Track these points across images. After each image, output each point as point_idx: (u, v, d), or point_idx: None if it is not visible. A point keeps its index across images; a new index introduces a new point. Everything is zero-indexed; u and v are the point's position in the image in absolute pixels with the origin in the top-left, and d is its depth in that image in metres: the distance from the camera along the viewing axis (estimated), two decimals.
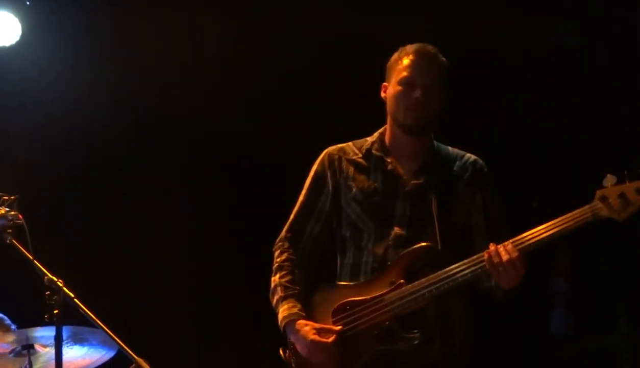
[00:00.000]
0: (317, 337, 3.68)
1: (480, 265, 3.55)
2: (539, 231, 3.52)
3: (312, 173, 3.95)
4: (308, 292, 3.85)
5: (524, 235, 3.53)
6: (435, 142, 3.88)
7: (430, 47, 3.81)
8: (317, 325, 3.72)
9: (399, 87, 3.78)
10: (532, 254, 3.52)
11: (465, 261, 3.58)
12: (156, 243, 6.29)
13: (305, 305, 3.80)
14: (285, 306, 3.79)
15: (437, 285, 3.59)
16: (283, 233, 3.94)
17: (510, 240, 3.52)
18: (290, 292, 3.82)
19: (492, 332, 5.23)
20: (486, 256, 3.52)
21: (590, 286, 5.98)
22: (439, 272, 3.59)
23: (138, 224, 6.33)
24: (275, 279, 3.87)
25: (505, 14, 5.71)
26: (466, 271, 3.57)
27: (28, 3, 6.07)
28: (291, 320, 3.75)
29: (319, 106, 5.89)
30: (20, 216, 3.80)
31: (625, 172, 3.42)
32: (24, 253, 3.73)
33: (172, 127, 6.30)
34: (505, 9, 5.72)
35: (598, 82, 5.76)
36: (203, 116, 6.22)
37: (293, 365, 3.77)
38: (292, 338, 3.75)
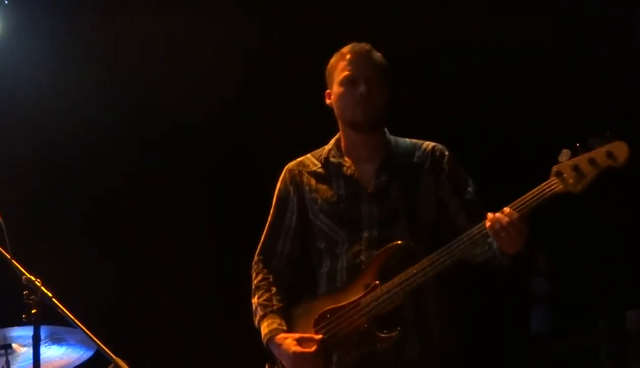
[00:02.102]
0: (299, 348, 3.71)
1: (449, 255, 3.55)
2: (531, 195, 3.48)
3: (275, 193, 4.00)
4: (290, 307, 3.88)
5: (518, 200, 3.50)
6: (391, 137, 3.89)
7: (364, 44, 3.85)
8: (298, 335, 3.75)
9: (342, 88, 3.80)
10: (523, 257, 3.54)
11: (435, 253, 3.59)
12: (138, 243, 6.27)
13: (287, 320, 3.84)
14: (266, 324, 3.83)
15: (409, 281, 3.61)
16: (256, 256, 4.01)
17: (509, 205, 3.50)
18: (269, 309, 3.86)
19: (472, 330, 5.24)
20: (488, 224, 3.50)
21: (569, 283, 5.99)
22: (411, 268, 3.60)
23: (119, 224, 6.31)
24: (254, 301, 3.92)
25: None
26: (436, 263, 3.58)
27: (6, 2, 6.04)
28: (272, 336, 3.79)
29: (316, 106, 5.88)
30: None
31: (578, 144, 3.42)
32: (1, 252, 3.71)
33: (154, 126, 6.27)
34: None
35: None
36: (190, 115, 6.20)
37: None
38: (275, 353, 3.78)
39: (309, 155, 3.98)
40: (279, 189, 3.98)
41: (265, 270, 3.94)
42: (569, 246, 5.89)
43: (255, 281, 3.94)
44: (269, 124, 6.08)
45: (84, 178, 6.28)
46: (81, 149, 6.22)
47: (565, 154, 3.44)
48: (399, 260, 3.66)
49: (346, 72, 3.79)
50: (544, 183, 3.45)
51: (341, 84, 3.80)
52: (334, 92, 3.85)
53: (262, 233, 4.01)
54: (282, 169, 4.01)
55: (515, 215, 3.47)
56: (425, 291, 3.70)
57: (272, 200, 3.99)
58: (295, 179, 3.93)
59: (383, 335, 3.62)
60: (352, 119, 3.81)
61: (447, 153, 3.85)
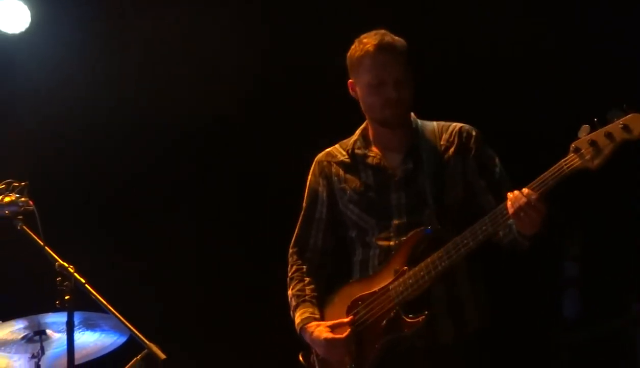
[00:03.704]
0: (330, 335, 3.73)
1: (473, 238, 3.54)
2: (549, 174, 3.44)
3: (307, 185, 4.00)
4: (325, 295, 3.90)
5: (536, 180, 3.47)
6: (417, 121, 3.86)
7: (387, 37, 3.75)
8: (330, 323, 3.77)
9: (367, 89, 3.76)
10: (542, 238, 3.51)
11: (459, 236, 3.57)
12: (166, 230, 6.29)
13: (321, 308, 3.86)
14: (298, 313, 3.86)
15: (435, 265, 3.60)
16: (290, 248, 4.03)
17: (527, 186, 3.48)
18: (302, 299, 3.89)
19: (503, 314, 5.22)
20: (508, 204, 3.48)
21: (601, 267, 5.95)
22: (437, 252, 3.60)
23: (148, 211, 6.32)
24: (289, 292, 3.96)
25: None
26: (460, 247, 3.57)
27: None
28: (304, 324, 3.81)
29: (331, 105, 5.86)
30: (31, 203, 3.82)
31: (596, 119, 3.36)
32: (34, 239, 3.74)
33: (183, 119, 6.28)
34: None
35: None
36: (218, 108, 6.20)
37: (316, 366, 3.81)
38: (308, 340, 3.80)
39: (336, 145, 3.97)
40: (310, 182, 3.99)
41: (300, 261, 3.96)
42: (601, 230, 5.85)
43: (290, 273, 3.97)
44: (297, 114, 6.06)
45: (114, 167, 6.30)
46: (112, 138, 6.24)
47: (584, 129, 3.40)
48: (427, 245, 3.66)
49: (373, 74, 3.73)
50: (562, 160, 3.42)
51: (368, 85, 3.75)
52: (360, 88, 3.80)
53: (296, 225, 4.02)
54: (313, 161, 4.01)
55: (534, 195, 3.43)
56: (457, 275, 3.69)
57: (304, 192, 4.00)
58: (324, 171, 3.93)
59: (410, 320, 3.62)
60: (381, 119, 3.79)
61: (474, 132, 3.82)
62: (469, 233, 3.55)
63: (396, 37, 3.77)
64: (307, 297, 3.87)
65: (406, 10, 5.60)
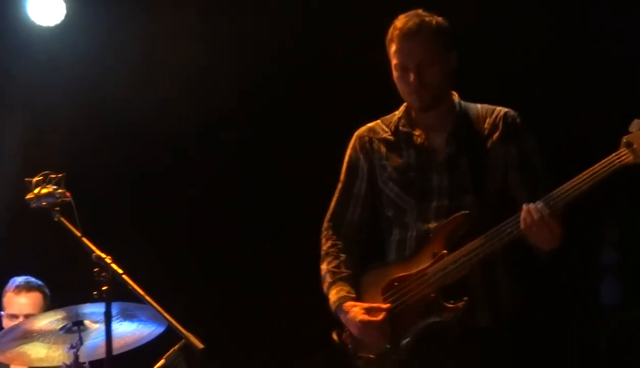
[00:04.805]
0: (366, 317, 3.70)
1: (516, 226, 3.53)
2: (568, 187, 3.46)
3: (345, 159, 3.96)
4: (360, 274, 3.86)
5: (555, 191, 3.48)
6: (461, 103, 3.83)
7: (411, 22, 3.71)
8: (366, 305, 3.74)
9: (396, 73, 3.76)
10: (580, 223, 3.48)
11: (503, 223, 3.56)
12: (202, 222, 6.31)
13: (357, 286, 3.83)
14: (334, 291, 3.83)
15: (477, 251, 3.58)
16: (326, 222, 3.98)
17: (544, 198, 3.48)
18: (338, 276, 3.85)
19: (541, 299, 5.19)
20: (521, 217, 3.48)
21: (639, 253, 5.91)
22: (478, 238, 3.58)
23: (186, 202, 6.35)
24: (323, 267, 3.91)
25: None
26: (502, 234, 3.55)
27: None
28: (340, 303, 3.79)
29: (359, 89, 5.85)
30: (68, 194, 3.84)
31: None
32: (72, 230, 3.76)
33: (217, 113, 6.29)
34: None
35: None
36: (251, 105, 6.23)
37: (349, 346, 3.79)
38: (343, 320, 3.78)
39: (379, 121, 3.94)
40: (349, 156, 3.95)
41: (335, 237, 3.92)
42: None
43: (324, 248, 3.92)
44: (338, 89, 6.04)
45: (150, 159, 6.32)
46: (147, 130, 6.26)
47: (636, 124, 3.37)
48: (467, 230, 3.64)
49: (396, 61, 3.73)
50: (614, 154, 3.39)
51: (395, 69, 3.76)
52: (393, 71, 3.80)
53: (332, 199, 3.98)
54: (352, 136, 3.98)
55: (546, 211, 3.43)
56: (494, 259, 3.67)
57: (342, 166, 3.96)
58: (365, 146, 3.90)
59: (449, 306, 3.61)
60: (409, 103, 3.80)
61: (518, 120, 3.79)
62: (513, 221, 3.53)
63: (427, 18, 3.72)
64: (343, 275, 3.84)
65: None
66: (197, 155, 6.37)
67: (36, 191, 3.82)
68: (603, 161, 3.41)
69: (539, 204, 3.46)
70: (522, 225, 3.49)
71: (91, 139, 6.26)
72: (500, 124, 3.76)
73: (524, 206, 3.49)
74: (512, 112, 3.80)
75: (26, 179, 3.85)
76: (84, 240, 3.74)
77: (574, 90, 5.63)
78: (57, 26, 6.19)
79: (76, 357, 4.15)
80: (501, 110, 3.80)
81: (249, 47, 6.19)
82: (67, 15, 6.17)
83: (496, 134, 3.75)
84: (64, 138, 6.22)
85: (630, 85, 5.41)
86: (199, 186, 6.34)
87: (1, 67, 6.27)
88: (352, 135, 4.00)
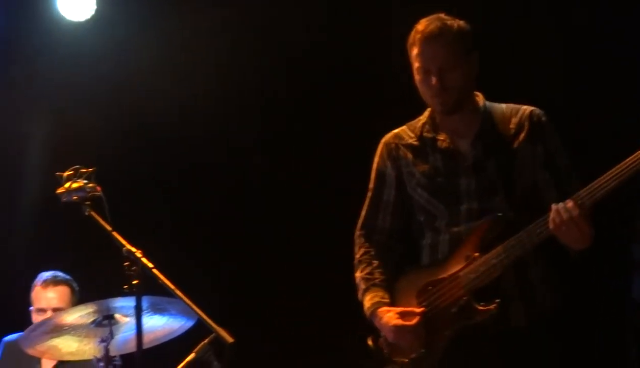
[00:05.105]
0: (400, 321, 3.71)
1: (547, 225, 3.50)
2: (596, 185, 3.44)
3: (373, 166, 3.96)
4: (393, 279, 3.87)
5: (584, 190, 3.46)
6: (486, 103, 3.80)
7: (433, 26, 3.70)
8: (400, 309, 3.74)
9: (418, 76, 3.74)
10: (609, 220, 3.45)
11: (534, 224, 3.54)
12: (234, 214, 6.32)
13: (391, 292, 3.83)
14: (368, 297, 3.83)
15: (507, 253, 3.56)
16: (357, 231, 3.98)
17: (573, 197, 3.46)
18: (371, 283, 3.85)
19: (573, 296, 5.16)
20: (550, 217, 3.47)
21: None
22: (510, 240, 3.56)
23: (218, 195, 6.36)
24: (357, 275, 3.92)
25: None
26: (533, 235, 3.53)
27: None
28: (374, 309, 3.79)
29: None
30: (98, 188, 3.86)
31: None
32: (102, 224, 3.78)
33: (249, 109, 6.30)
34: None
35: None
36: (278, 94, 6.23)
37: (385, 351, 3.79)
38: (377, 325, 3.79)
39: (404, 127, 3.92)
40: (377, 164, 3.94)
41: (367, 244, 3.92)
42: None
43: (357, 256, 3.93)
44: (364, 90, 6.04)
45: (181, 154, 6.34)
46: (178, 125, 6.27)
47: None
48: (499, 232, 3.62)
49: (417, 64, 3.72)
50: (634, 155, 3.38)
51: (416, 73, 3.74)
52: (414, 74, 3.78)
53: (363, 207, 3.98)
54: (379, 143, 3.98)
55: (576, 211, 3.41)
56: (527, 260, 3.65)
57: (371, 174, 3.96)
58: (392, 153, 3.89)
59: (481, 308, 3.60)
60: (432, 107, 3.79)
61: (544, 118, 3.76)
62: (543, 222, 3.51)
63: (449, 22, 3.71)
64: (376, 281, 3.84)
65: None
66: (225, 151, 6.37)
67: (67, 185, 3.84)
68: (629, 159, 3.38)
69: (569, 203, 3.44)
70: (551, 225, 3.48)
71: (121, 134, 6.28)
72: (526, 123, 3.74)
73: (553, 206, 3.47)
74: (537, 110, 3.77)
75: (57, 173, 3.86)
76: (115, 234, 3.75)
77: (596, 87, 5.60)
78: (86, 21, 6.21)
79: (107, 350, 4.17)
80: (527, 109, 3.77)
81: (277, 46, 6.19)
82: (97, 10, 6.19)
83: (522, 134, 3.72)
84: (94, 132, 6.24)
85: None
86: (228, 182, 6.35)
87: (30, 62, 6.30)
88: (376, 135, 4.01)
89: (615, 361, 5.73)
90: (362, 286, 3.87)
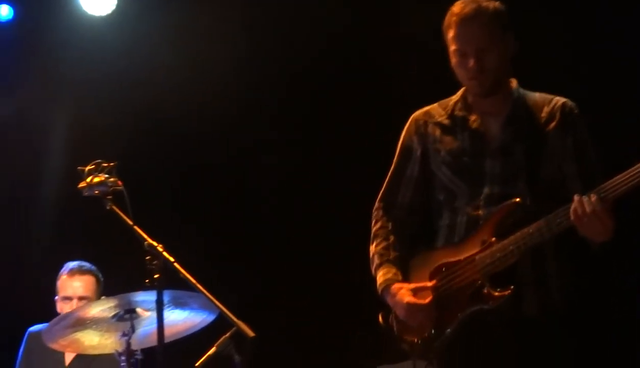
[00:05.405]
0: (412, 299, 3.69)
1: (567, 216, 3.47)
2: (622, 178, 3.41)
3: (400, 141, 3.93)
4: (408, 256, 3.84)
5: (608, 183, 3.43)
6: (519, 90, 3.78)
7: (468, 8, 3.67)
8: (412, 286, 3.72)
9: (455, 59, 3.72)
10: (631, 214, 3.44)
11: (554, 213, 3.51)
12: (255, 208, 6.33)
13: (405, 269, 3.80)
14: (382, 273, 3.80)
15: (525, 241, 3.54)
16: (377, 203, 3.95)
17: (596, 189, 3.44)
18: (386, 258, 3.82)
19: (592, 292, 5.14)
20: (572, 208, 3.45)
21: None
22: (528, 227, 3.54)
23: (236, 190, 6.37)
24: (372, 248, 3.89)
25: None
26: (553, 225, 3.51)
27: None
28: (387, 285, 3.76)
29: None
30: (120, 183, 3.86)
31: None
32: (123, 218, 3.78)
33: (265, 101, 6.30)
34: None
35: None
36: (301, 88, 6.23)
37: (395, 328, 3.78)
38: (389, 302, 3.76)
39: (435, 105, 3.90)
40: (403, 139, 3.92)
41: (385, 218, 3.89)
42: None
43: (374, 229, 3.90)
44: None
45: (202, 148, 6.35)
46: (199, 119, 6.28)
47: None
48: (517, 218, 3.60)
49: (454, 46, 3.70)
50: None
51: (453, 55, 3.72)
52: (451, 58, 3.76)
53: (385, 180, 3.95)
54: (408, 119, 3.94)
55: (599, 206, 3.39)
56: (545, 251, 3.63)
57: (396, 148, 3.93)
58: (420, 130, 3.87)
59: (496, 294, 3.58)
60: (469, 89, 3.77)
61: (576, 111, 3.73)
62: (563, 212, 3.50)
63: (484, 3, 3.69)
64: (391, 257, 3.81)
65: None
66: (245, 146, 6.38)
67: (88, 179, 3.85)
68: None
69: (592, 195, 3.42)
70: (572, 216, 3.45)
71: (142, 128, 6.29)
72: (558, 114, 3.71)
73: (576, 197, 3.45)
74: (570, 102, 3.75)
75: (79, 168, 3.87)
76: (136, 228, 3.76)
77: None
78: (108, 16, 6.22)
79: (128, 344, 4.18)
80: (559, 100, 3.75)
81: (294, 44, 6.19)
82: (117, 5, 6.21)
83: (553, 124, 3.70)
84: (115, 126, 6.26)
85: None
86: (249, 176, 6.35)
87: (52, 56, 6.33)
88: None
89: (632, 359, 5.69)
90: (377, 260, 3.84)
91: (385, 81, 6.02)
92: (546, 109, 3.73)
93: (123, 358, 4.20)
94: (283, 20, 6.19)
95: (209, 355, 4.00)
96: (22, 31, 6.39)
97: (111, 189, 3.83)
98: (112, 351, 4.33)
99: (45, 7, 6.36)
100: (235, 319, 3.66)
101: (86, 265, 5.28)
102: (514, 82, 3.79)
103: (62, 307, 5.17)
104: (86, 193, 3.86)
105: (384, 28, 6.00)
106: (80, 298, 5.12)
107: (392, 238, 3.86)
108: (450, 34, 3.71)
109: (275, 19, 6.20)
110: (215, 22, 6.22)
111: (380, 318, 3.83)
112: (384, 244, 3.85)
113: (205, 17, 6.23)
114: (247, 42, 6.22)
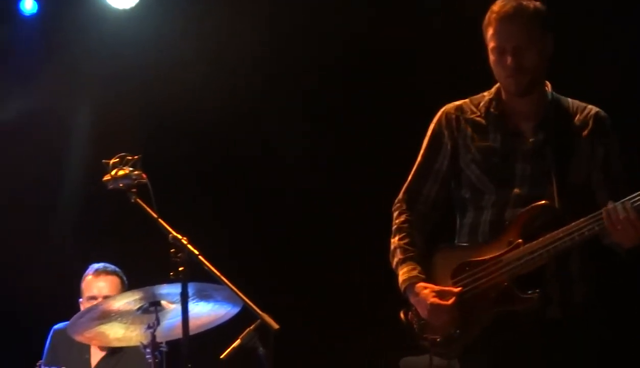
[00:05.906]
0: (437, 300, 3.66)
1: (598, 222, 3.47)
2: None
3: (429, 133, 3.88)
4: (427, 253, 3.82)
5: (636, 193, 3.44)
6: (553, 94, 3.77)
7: (509, 6, 3.66)
8: (437, 288, 3.69)
9: (493, 57, 3.70)
10: None
11: (584, 218, 3.50)
12: (278, 201, 6.33)
13: (425, 266, 3.78)
14: (405, 269, 3.77)
15: (555, 244, 3.52)
16: (401, 195, 3.91)
17: (629, 197, 3.44)
18: (410, 254, 3.79)
19: (615, 292, 5.11)
20: (604, 214, 3.44)
21: None
22: (557, 231, 3.52)
23: (261, 183, 6.37)
24: (394, 241, 3.85)
25: None
26: (584, 230, 3.49)
27: None
28: (411, 283, 3.74)
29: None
30: (144, 176, 3.87)
31: None
32: (148, 211, 3.79)
33: (290, 97, 6.30)
34: None
35: None
36: (325, 85, 6.23)
37: (415, 327, 3.77)
38: (412, 300, 3.74)
39: (467, 100, 3.87)
40: (433, 130, 3.88)
41: (409, 212, 3.85)
42: None
43: (397, 222, 3.86)
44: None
45: (227, 138, 6.36)
46: (224, 113, 6.29)
47: None
48: (544, 221, 3.59)
49: (493, 44, 3.68)
50: None
51: (491, 52, 3.71)
52: (489, 56, 3.74)
53: (410, 173, 3.91)
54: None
55: (633, 212, 3.40)
56: (569, 254, 3.61)
57: (423, 141, 3.89)
58: (451, 124, 3.83)
59: (522, 296, 3.56)
60: (505, 88, 3.74)
61: (608, 122, 3.73)
62: (595, 218, 3.49)
63: (525, 2, 3.67)
64: (414, 253, 3.78)
65: None
66: (270, 141, 6.38)
67: (113, 173, 3.85)
68: None
69: (626, 202, 3.43)
70: (606, 222, 3.45)
71: (166, 121, 6.31)
72: (591, 122, 3.71)
73: (610, 204, 3.45)
74: (603, 112, 3.75)
75: (103, 161, 3.88)
76: (161, 221, 3.77)
77: None
78: (131, 9, 6.23)
79: (153, 337, 4.19)
80: (592, 109, 3.75)
81: (318, 39, 6.18)
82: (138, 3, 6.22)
83: (585, 131, 3.70)
84: (139, 119, 6.28)
85: None
86: (273, 170, 6.35)
87: (75, 49, 6.34)
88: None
89: None
90: (399, 255, 3.80)
91: (408, 79, 6.00)
92: (579, 117, 3.72)
93: (148, 350, 4.21)
94: (305, 13, 6.18)
95: (234, 347, 4.00)
96: (46, 25, 6.41)
97: (135, 182, 3.84)
98: (137, 343, 4.34)
99: (69, 1, 6.38)
100: (259, 311, 3.67)
101: (110, 266, 5.32)
102: (548, 86, 3.77)
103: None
104: (111, 186, 3.87)
105: (407, 23, 5.97)
106: (105, 298, 5.13)
107: (415, 233, 3.83)
108: (490, 31, 3.69)
109: (298, 12, 6.19)
110: (237, 15, 6.22)
111: (401, 315, 3.82)
112: (407, 239, 3.82)
113: (227, 10, 6.23)
114: (270, 36, 6.22)
